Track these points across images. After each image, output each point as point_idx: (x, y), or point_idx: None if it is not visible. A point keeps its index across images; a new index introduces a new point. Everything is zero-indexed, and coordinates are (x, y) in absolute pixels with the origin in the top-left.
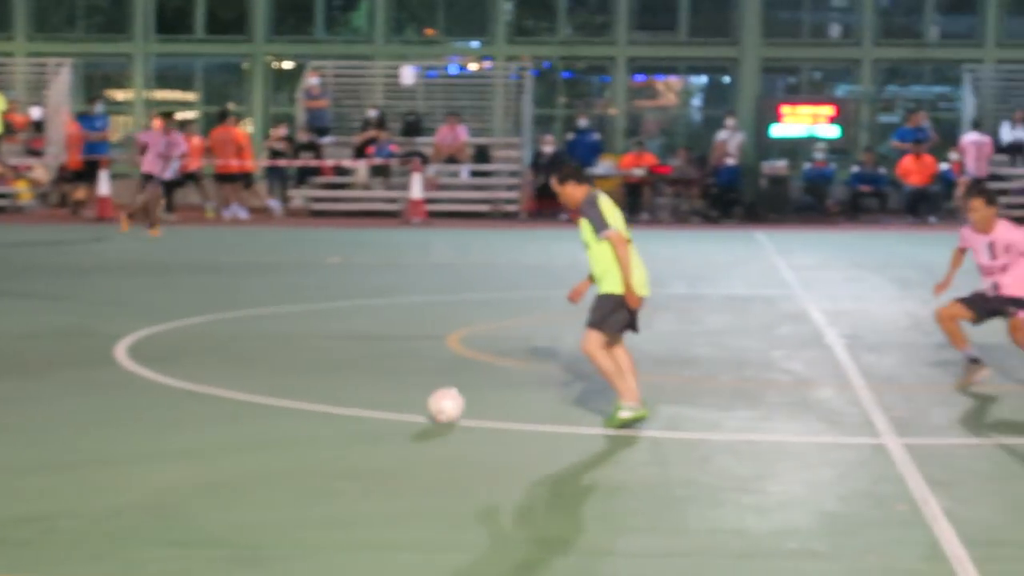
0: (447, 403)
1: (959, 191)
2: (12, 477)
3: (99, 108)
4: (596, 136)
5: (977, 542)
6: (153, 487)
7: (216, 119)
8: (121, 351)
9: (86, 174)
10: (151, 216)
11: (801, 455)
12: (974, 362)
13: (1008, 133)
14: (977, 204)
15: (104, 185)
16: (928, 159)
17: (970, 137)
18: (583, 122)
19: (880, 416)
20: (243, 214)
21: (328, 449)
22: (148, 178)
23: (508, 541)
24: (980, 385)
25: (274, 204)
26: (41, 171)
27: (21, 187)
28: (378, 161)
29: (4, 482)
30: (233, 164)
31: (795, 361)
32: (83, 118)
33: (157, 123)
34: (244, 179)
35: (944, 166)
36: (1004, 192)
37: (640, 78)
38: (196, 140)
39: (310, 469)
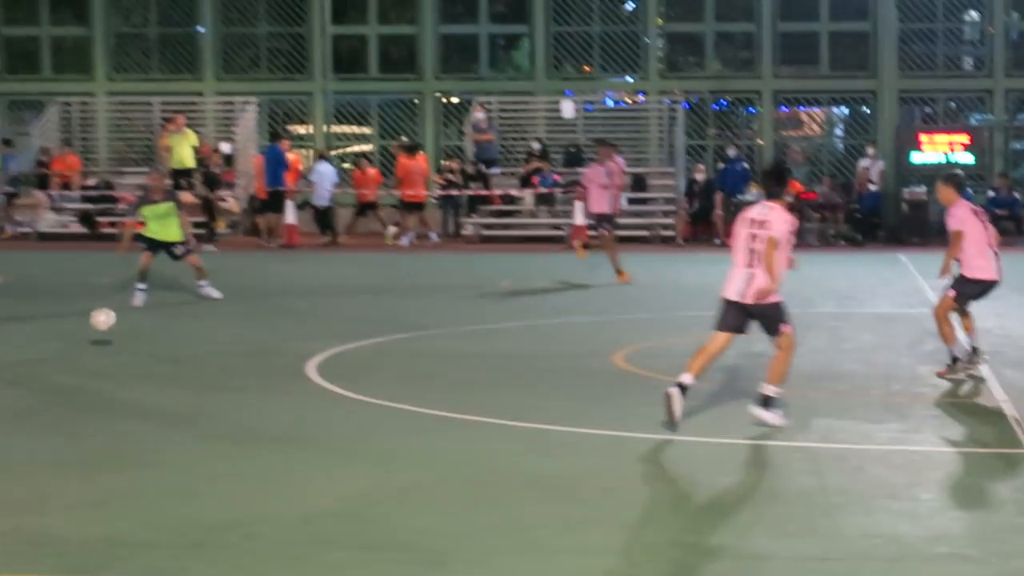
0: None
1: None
2: (214, 485)
3: (286, 144)
4: (744, 165)
5: None
6: (343, 494)
7: (406, 151)
8: (311, 368)
9: (273, 204)
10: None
11: (949, 464)
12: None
13: None
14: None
15: (290, 214)
16: None
17: None
18: (732, 152)
19: (1021, 428)
20: (434, 237)
21: (504, 459)
22: (604, 218)
23: (669, 545)
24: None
25: (433, 235)
26: (232, 202)
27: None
28: (542, 190)
29: (207, 490)
30: (422, 193)
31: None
32: (270, 151)
33: (605, 152)
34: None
35: None
36: None
37: (785, 110)
38: (373, 171)
39: (487, 478)
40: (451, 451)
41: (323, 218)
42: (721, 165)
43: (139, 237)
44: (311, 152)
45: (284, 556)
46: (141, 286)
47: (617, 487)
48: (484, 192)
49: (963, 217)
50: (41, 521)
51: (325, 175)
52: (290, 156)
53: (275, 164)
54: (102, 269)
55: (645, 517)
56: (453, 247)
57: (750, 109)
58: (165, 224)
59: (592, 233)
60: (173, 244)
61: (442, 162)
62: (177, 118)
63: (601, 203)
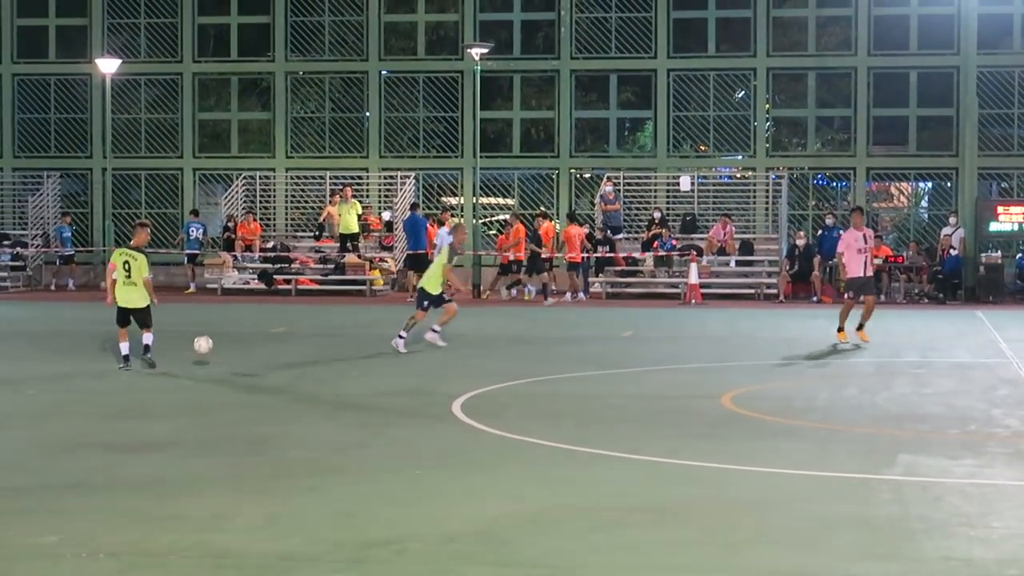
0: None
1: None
2: (370, 507)
3: (419, 212)
4: (840, 232)
5: None
6: (483, 517)
7: (567, 219)
8: (456, 407)
9: (416, 264)
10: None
11: (1019, 496)
12: None
13: None
14: None
15: None
16: None
17: None
18: (829, 220)
19: None
20: (581, 295)
21: (624, 487)
22: (864, 283)
23: (768, 564)
24: None
25: (581, 294)
26: (391, 262)
27: (375, 275)
28: (662, 253)
29: (364, 511)
30: (578, 256)
31: (1012, 418)
32: (410, 219)
33: (858, 219)
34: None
35: None
36: None
37: (877, 184)
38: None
39: (610, 504)
40: (576, 480)
41: None
42: (819, 231)
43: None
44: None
45: (430, 571)
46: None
47: (723, 513)
48: (611, 255)
49: None
50: (221, 538)
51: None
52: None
53: (415, 230)
54: (276, 320)
55: (749, 540)
56: (583, 303)
57: (845, 183)
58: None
59: (850, 298)
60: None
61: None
62: (345, 190)
63: (856, 267)
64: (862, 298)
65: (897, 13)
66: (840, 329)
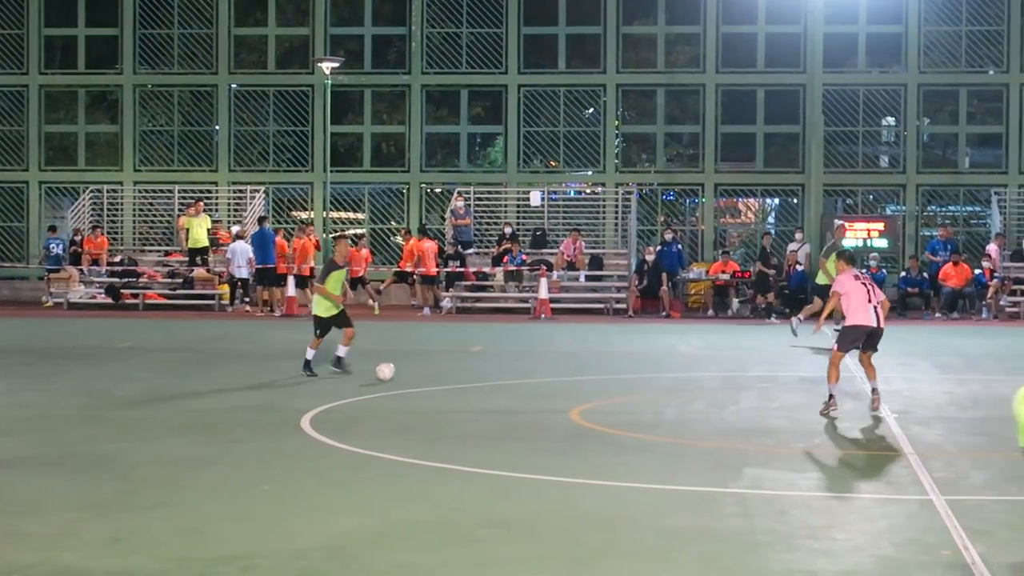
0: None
1: (990, 292)
2: (218, 524)
3: (268, 226)
4: (679, 246)
5: None
6: (332, 532)
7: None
8: (306, 422)
9: (265, 278)
10: None
11: (862, 509)
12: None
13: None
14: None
15: (291, 287)
16: (964, 266)
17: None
18: (668, 236)
19: (927, 477)
20: (427, 311)
21: (473, 502)
22: None
23: None
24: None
25: (427, 309)
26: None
27: (223, 290)
28: (512, 268)
29: (211, 528)
30: (432, 271)
31: (856, 432)
32: (258, 233)
33: None
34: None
35: (978, 271)
36: (1013, 293)
37: (724, 199)
38: (366, 252)
39: (457, 519)
40: (425, 495)
41: (243, 287)
42: (658, 247)
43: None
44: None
45: None
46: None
47: (571, 528)
48: (460, 270)
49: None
50: (65, 556)
51: (238, 252)
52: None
53: (264, 244)
54: (123, 334)
55: (597, 554)
56: (432, 317)
57: (694, 199)
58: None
59: None
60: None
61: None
62: (197, 204)
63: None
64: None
65: (745, 31)
66: None
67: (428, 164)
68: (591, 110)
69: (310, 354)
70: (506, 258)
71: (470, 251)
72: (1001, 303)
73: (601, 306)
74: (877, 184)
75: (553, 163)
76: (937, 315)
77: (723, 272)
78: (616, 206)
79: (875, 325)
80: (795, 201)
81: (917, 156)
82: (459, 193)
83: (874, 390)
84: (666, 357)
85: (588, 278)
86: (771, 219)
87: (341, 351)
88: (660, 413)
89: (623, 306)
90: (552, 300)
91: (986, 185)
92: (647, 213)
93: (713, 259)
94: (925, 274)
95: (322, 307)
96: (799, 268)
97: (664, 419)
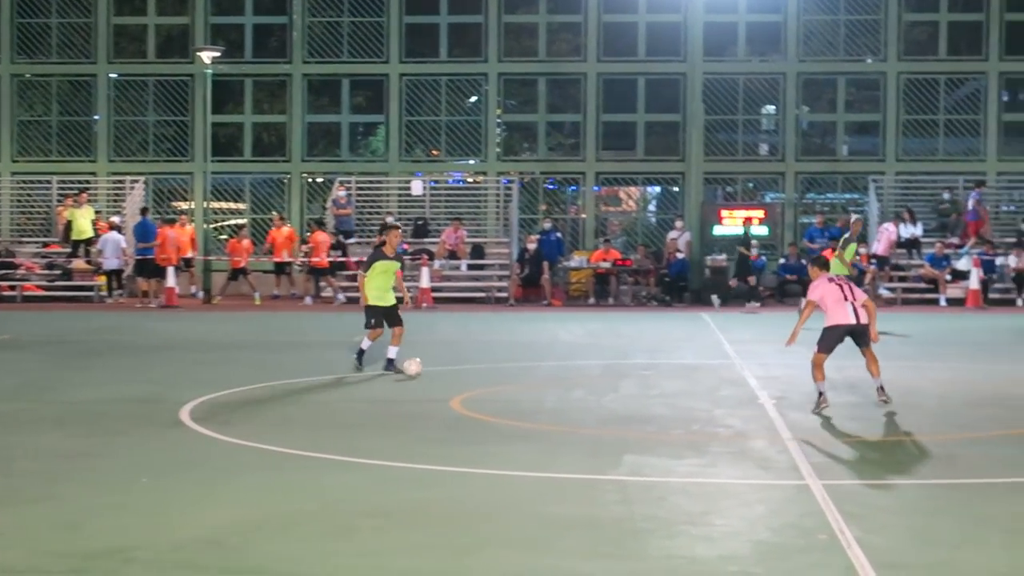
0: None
1: (868, 277)
2: (96, 517)
3: (150, 217)
4: (558, 235)
5: (885, 564)
6: (212, 524)
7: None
8: (185, 414)
9: (144, 270)
10: None
11: (740, 494)
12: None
13: (904, 230)
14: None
15: (171, 279)
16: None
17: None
18: (547, 225)
19: (804, 462)
20: (308, 300)
21: (353, 492)
22: None
23: (497, 566)
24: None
25: (308, 299)
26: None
27: (101, 281)
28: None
29: (89, 521)
30: (324, 262)
31: (734, 418)
32: (139, 224)
33: None
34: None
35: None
36: (904, 279)
37: (605, 188)
38: (247, 242)
39: (338, 509)
40: (306, 485)
41: (117, 277)
42: (538, 236)
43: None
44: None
45: None
46: None
47: (453, 517)
48: (342, 259)
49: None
50: None
51: (110, 243)
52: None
53: (145, 235)
54: (1, 327)
55: (478, 543)
56: (316, 307)
57: (576, 188)
58: None
59: None
60: None
61: (307, 234)
62: (81, 195)
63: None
64: None
65: (626, 20)
66: None
67: (309, 154)
68: (473, 99)
69: (366, 344)
70: None
71: (352, 240)
72: (879, 291)
73: (483, 295)
74: (756, 172)
75: (435, 152)
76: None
77: (604, 260)
78: (498, 195)
79: (854, 322)
80: (676, 189)
81: (796, 144)
82: (340, 183)
83: (880, 388)
84: (547, 345)
85: (470, 267)
86: (652, 207)
87: (391, 352)
88: (541, 401)
89: (505, 295)
90: (433, 289)
91: (864, 173)
92: (529, 202)
93: (594, 247)
94: (804, 261)
95: (372, 294)
96: (680, 256)
97: (545, 407)
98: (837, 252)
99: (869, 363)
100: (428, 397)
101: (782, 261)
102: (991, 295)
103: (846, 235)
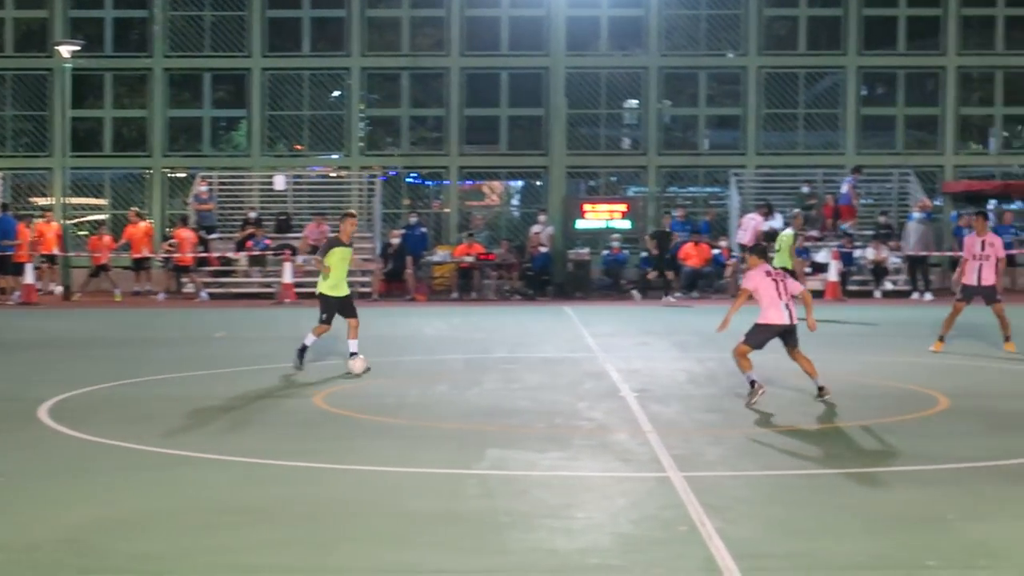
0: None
1: (729, 271)
2: None
3: (10, 213)
4: (423, 230)
5: (744, 555)
6: (69, 523)
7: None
8: (43, 412)
9: (11, 267)
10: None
11: (601, 487)
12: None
13: (763, 223)
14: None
15: (29, 275)
16: (704, 246)
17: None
18: (413, 219)
19: (665, 454)
20: (161, 296)
21: (213, 490)
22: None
23: (359, 562)
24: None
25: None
26: None
27: None
28: (256, 252)
29: None
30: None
31: (596, 411)
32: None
33: (981, 225)
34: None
35: (716, 251)
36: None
37: (469, 183)
38: (108, 239)
39: (200, 506)
40: (166, 483)
41: None
42: (402, 231)
43: None
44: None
45: None
46: None
47: (315, 513)
48: (203, 255)
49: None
50: None
51: None
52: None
53: (5, 231)
54: None
55: (340, 539)
56: (176, 303)
57: (439, 182)
58: None
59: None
60: None
61: (167, 230)
62: None
63: (971, 274)
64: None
65: (488, 15)
66: (940, 339)
67: (171, 149)
68: (336, 94)
69: (309, 340)
70: (250, 243)
71: (214, 236)
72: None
73: None
74: (619, 166)
75: (298, 147)
76: (677, 294)
77: (467, 255)
78: (361, 190)
79: (787, 323)
80: (539, 183)
81: (658, 138)
82: (202, 178)
83: (820, 388)
84: (411, 340)
85: None
86: (515, 201)
87: (352, 346)
88: (403, 396)
89: (368, 290)
90: (296, 285)
91: (725, 166)
92: (392, 196)
93: (457, 242)
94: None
95: (327, 284)
96: (543, 250)
97: (407, 402)
98: (785, 244)
99: (802, 365)
100: (290, 393)
101: (644, 255)
102: (849, 287)
103: (789, 228)
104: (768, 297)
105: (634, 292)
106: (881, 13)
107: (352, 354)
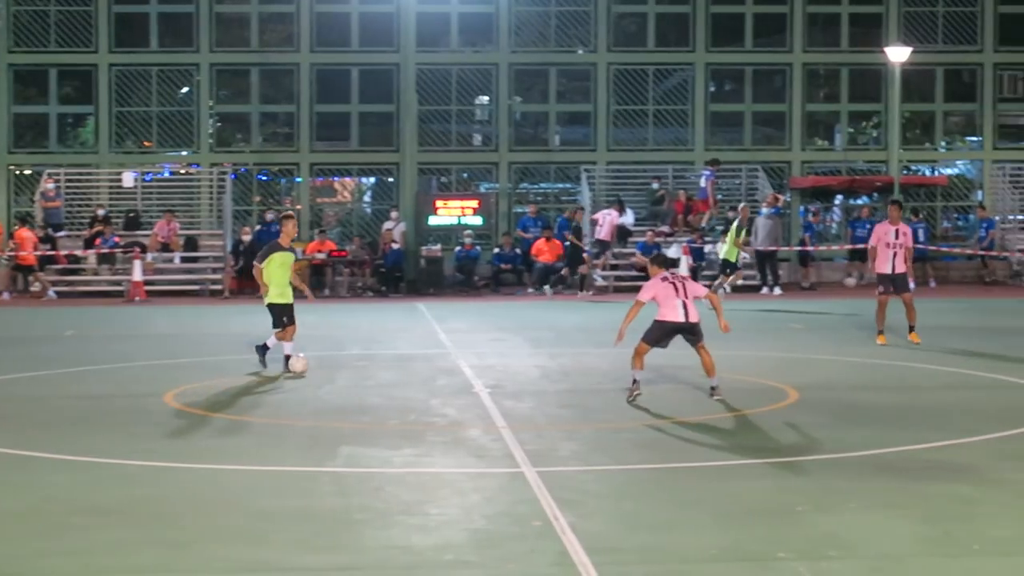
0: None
1: (584, 268)
2: None
3: None
4: (278, 227)
5: (597, 549)
6: None
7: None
8: None
9: None
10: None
11: (455, 483)
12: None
13: (618, 218)
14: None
15: None
16: (556, 242)
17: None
18: (269, 216)
19: (518, 450)
20: (6, 296)
21: (63, 491)
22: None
23: (214, 561)
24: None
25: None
26: None
27: None
28: (105, 250)
29: None
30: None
31: (450, 407)
32: None
33: (893, 211)
34: None
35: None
36: (616, 267)
37: (320, 179)
38: None
39: (47, 508)
40: (16, 484)
41: None
42: (258, 227)
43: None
44: None
45: None
46: None
47: (169, 512)
48: (50, 253)
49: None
50: None
51: None
52: None
53: None
54: None
55: (194, 538)
56: (22, 302)
57: (290, 179)
58: None
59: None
60: None
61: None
62: None
63: (884, 262)
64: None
65: (338, 10)
66: (880, 332)
67: (16, 145)
68: (185, 90)
69: (271, 341)
70: (98, 240)
71: (61, 234)
72: (595, 280)
73: (197, 287)
74: (471, 162)
75: (147, 143)
76: (530, 290)
77: (320, 251)
78: (211, 186)
79: (683, 320)
80: (391, 180)
81: (509, 134)
82: (49, 175)
83: (712, 388)
84: (263, 338)
85: (183, 259)
86: (367, 198)
87: (287, 349)
88: (257, 394)
89: (219, 287)
90: (147, 283)
91: (576, 163)
92: (242, 193)
93: (310, 239)
94: (518, 250)
95: (273, 291)
96: (395, 246)
97: (261, 400)
98: (730, 236)
99: (702, 360)
100: (141, 392)
101: (496, 251)
102: (701, 282)
103: (736, 221)
104: (665, 297)
105: (546, 288)
106: (729, 10)
107: (286, 357)
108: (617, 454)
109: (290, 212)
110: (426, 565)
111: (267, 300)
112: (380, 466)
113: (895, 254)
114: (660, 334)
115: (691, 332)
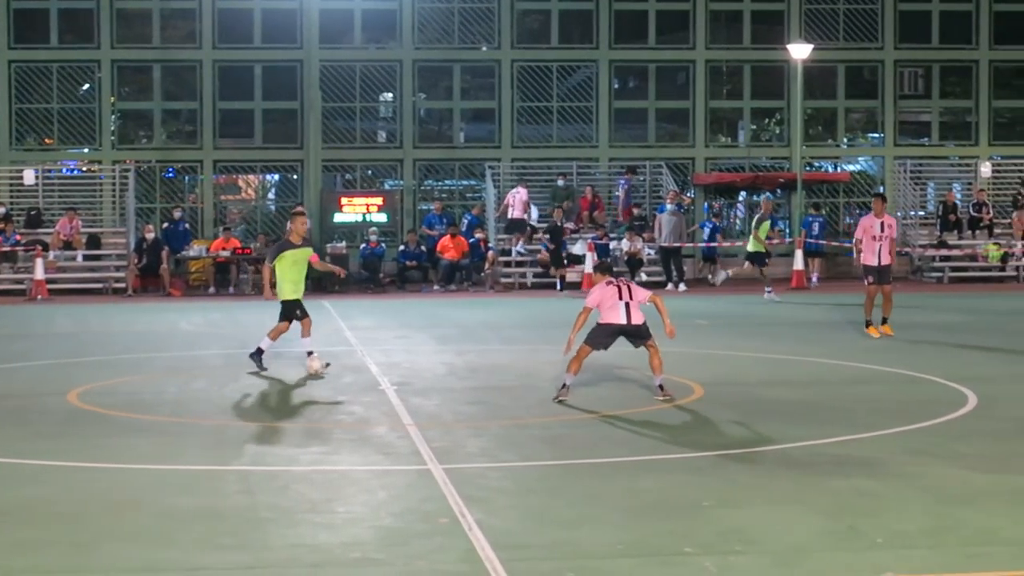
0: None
1: (488, 264)
2: None
3: None
4: (186, 225)
5: (504, 546)
6: None
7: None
8: None
9: None
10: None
11: (362, 481)
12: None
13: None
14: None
15: None
16: (461, 239)
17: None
18: (177, 214)
19: (425, 447)
20: None
21: None
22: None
23: (118, 561)
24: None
25: None
26: None
27: None
28: (6, 248)
29: None
30: None
31: (356, 405)
32: None
33: (878, 205)
34: None
35: (472, 241)
36: (508, 264)
37: (224, 176)
38: None
39: None
40: None
41: None
42: (165, 225)
43: None
44: None
45: None
46: None
47: (71, 512)
48: None
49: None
50: None
51: None
52: None
53: None
54: None
55: (98, 539)
56: None
57: (194, 177)
58: None
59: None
60: None
61: None
62: None
63: (871, 255)
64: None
65: (241, 7)
66: (868, 324)
67: None
68: (86, 87)
69: (266, 343)
70: None
71: None
72: (500, 278)
73: (100, 286)
74: (375, 159)
75: (48, 140)
76: (435, 287)
77: (224, 249)
78: (114, 184)
79: (625, 323)
80: (295, 177)
81: (413, 131)
82: None
83: (660, 386)
84: (167, 336)
85: (86, 257)
86: (271, 195)
87: (307, 345)
88: (161, 393)
89: (123, 285)
90: (48, 281)
91: (480, 159)
92: (146, 191)
93: (214, 236)
94: (423, 247)
95: (287, 288)
96: None
97: (165, 399)
98: (752, 231)
99: (651, 360)
100: (44, 391)
101: (402, 248)
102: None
103: (759, 215)
104: (608, 301)
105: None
106: (632, 7)
107: (309, 353)
108: (524, 450)
109: (301, 209)
110: (333, 563)
111: (281, 296)
112: (286, 464)
113: (881, 246)
114: (602, 336)
115: (635, 335)
